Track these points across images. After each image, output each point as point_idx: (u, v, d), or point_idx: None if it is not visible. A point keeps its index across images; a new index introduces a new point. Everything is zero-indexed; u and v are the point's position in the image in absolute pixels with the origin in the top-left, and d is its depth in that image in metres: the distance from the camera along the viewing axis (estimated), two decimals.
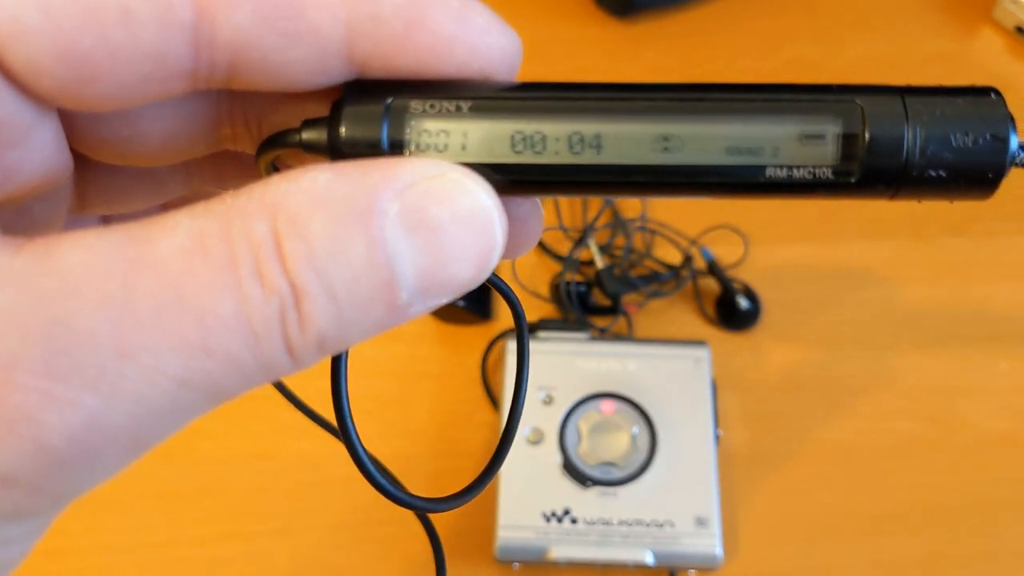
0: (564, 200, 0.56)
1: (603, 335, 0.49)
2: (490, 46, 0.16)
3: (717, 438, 0.45)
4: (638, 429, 0.44)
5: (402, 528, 0.44)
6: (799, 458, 0.48)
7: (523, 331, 0.20)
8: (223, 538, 0.45)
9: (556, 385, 0.45)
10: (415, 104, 0.15)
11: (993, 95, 0.15)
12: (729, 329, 0.51)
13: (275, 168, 0.18)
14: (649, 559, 0.42)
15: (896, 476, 0.47)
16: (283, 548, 0.45)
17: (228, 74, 0.15)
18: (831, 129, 0.15)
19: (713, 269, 0.52)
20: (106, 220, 0.21)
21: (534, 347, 0.46)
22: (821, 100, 0.15)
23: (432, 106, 0.15)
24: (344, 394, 0.17)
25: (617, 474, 0.43)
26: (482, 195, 0.15)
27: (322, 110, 0.16)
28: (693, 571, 0.43)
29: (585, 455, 0.44)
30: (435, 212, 0.14)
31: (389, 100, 0.15)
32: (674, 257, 0.53)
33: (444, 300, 0.15)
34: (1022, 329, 0.51)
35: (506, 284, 0.19)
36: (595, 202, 0.56)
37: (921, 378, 0.50)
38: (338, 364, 0.17)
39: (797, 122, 0.15)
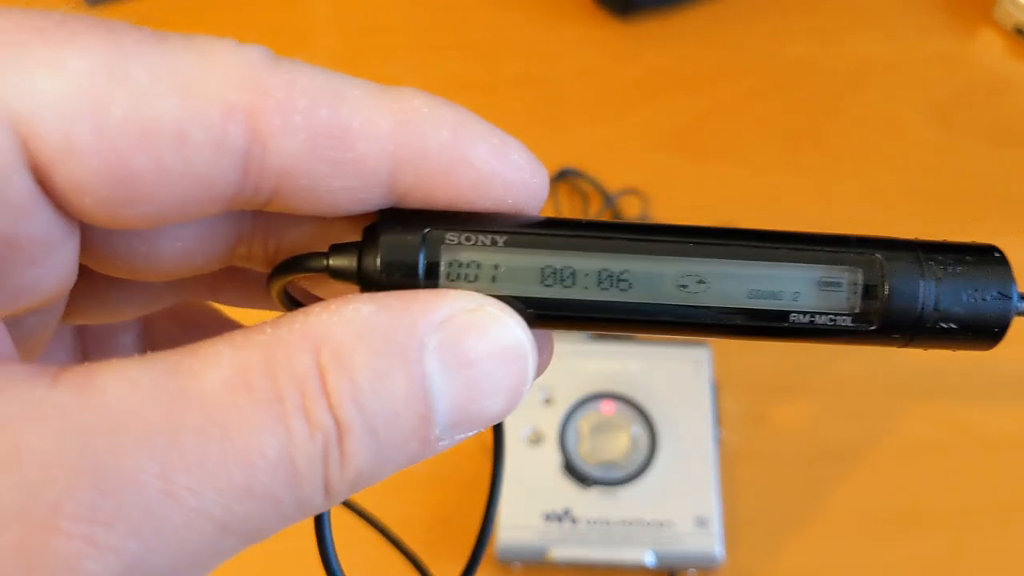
0: (564, 199, 0.56)
1: (603, 335, 0.49)
2: (524, 183, 0.16)
3: (717, 438, 0.45)
4: (638, 429, 0.44)
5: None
6: (799, 458, 0.48)
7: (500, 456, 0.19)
8: None
9: (556, 385, 0.45)
10: (450, 235, 0.15)
11: (996, 254, 0.16)
12: None
13: (286, 293, 0.17)
14: (649, 559, 0.42)
15: (897, 476, 0.47)
16: (285, 547, 0.45)
17: (269, 198, 0.15)
18: (853, 279, 0.16)
19: None
20: (80, 329, 0.21)
21: None
22: (843, 251, 0.16)
23: (468, 239, 0.16)
24: (330, 546, 0.17)
25: (617, 474, 0.43)
26: (517, 329, 0.15)
27: (347, 235, 0.16)
28: (693, 571, 0.43)
29: (585, 455, 0.44)
30: (473, 346, 0.14)
31: (427, 230, 0.15)
32: None
33: (471, 434, 0.15)
34: None
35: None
36: (595, 201, 0.56)
37: (923, 378, 0.50)
38: (321, 521, 0.17)
39: (820, 271, 0.16)
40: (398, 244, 0.15)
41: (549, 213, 0.56)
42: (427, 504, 0.46)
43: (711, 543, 0.42)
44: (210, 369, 0.13)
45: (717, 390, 0.47)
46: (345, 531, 0.39)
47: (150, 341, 0.22)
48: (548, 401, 0.45)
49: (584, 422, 0.44)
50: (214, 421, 0.12)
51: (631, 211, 0.55)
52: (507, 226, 0.16)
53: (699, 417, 0.45)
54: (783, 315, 0.16)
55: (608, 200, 0.55)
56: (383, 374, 0.13)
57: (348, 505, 0.30)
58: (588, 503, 0.43)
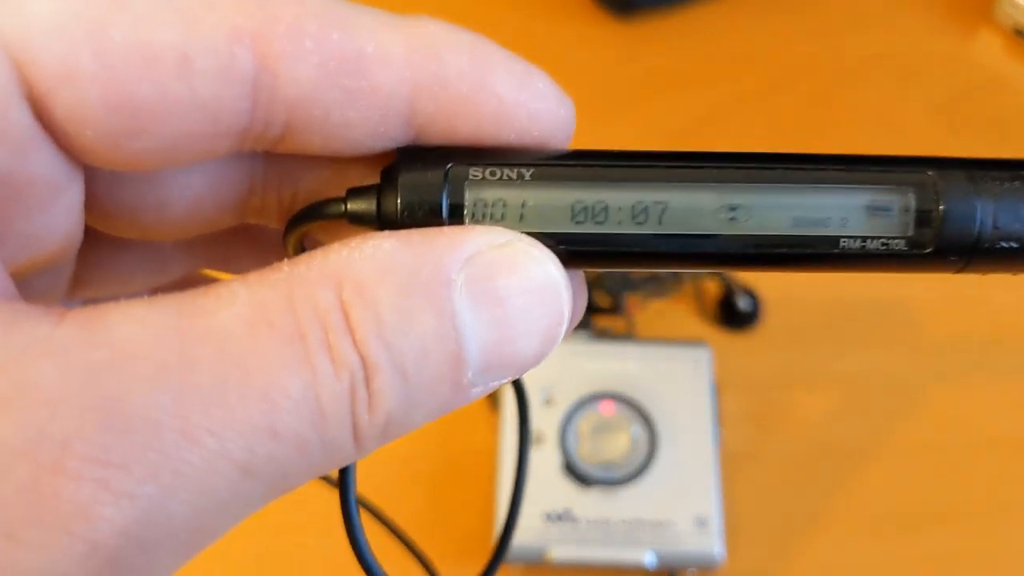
0: None
1: (603, 335, 0.49)
2: (550, 112, 0.15)
3: (717, 438, 0.45)
4: (638, 429, 0.44)
5: None
6: (799, 458, 0.48)
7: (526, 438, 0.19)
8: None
9: (556, 385, 0.45)
10: (474, 171, 0.15)
11: None
12: (729, 329, 0.51)
13: (302, 247, 0.17)
14: (649, 559, 0.42)
15: (898, 476, 0.47)
16: (285, 548, 0.45)
17: (281, 133, 0.14)
18: (904, 201, 0.15)
19: None
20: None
21: None
22: (892, 172, 0.15)
23: (492, 173, 0.14)
24: (353, 505, 0.16)
25: (617, 474, 0.43)
26: (551, 266, 0.14)
27: (365, 179, 0.15)
28: (693, 571, 0.43)
29: (585, 455, 0.44)
30: (503, 283, 0.13)
31: (448, 166, 0.15)
32: None
33: (505, 380, 0.14)
34: None
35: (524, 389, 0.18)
36: None
37: (922, 378, 0.50)
38: (347, 475, 0.16)
39: (869, 194, 0.15)
40: (419, 183, 0.14)
41: None
42: (431, 499, 0.46)
43: (711, 543, 0.42)
44: (225, 308, 0.12)
45: (717, 390, 0.47)
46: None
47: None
48: (548, 401, 0.45)
49: (584, 422, 0.44)
50: (232, 359, 0.12)
51: None
52: (533, 159, 0.15)
53: (699, 417, 0.45)
54: (832, 241, 0.15)
55: None
56: (410, 311, 0.13)
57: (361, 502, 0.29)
58: (588, 503, 0.43)
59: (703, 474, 0.43)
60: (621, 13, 0.64)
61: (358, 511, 0.16)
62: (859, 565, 0.45)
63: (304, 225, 0.16)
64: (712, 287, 0.52)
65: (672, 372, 0.46)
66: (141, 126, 0.13)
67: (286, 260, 0.13)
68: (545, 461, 0.44)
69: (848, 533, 0.46)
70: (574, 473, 0.43)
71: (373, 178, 0.15)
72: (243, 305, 0.12)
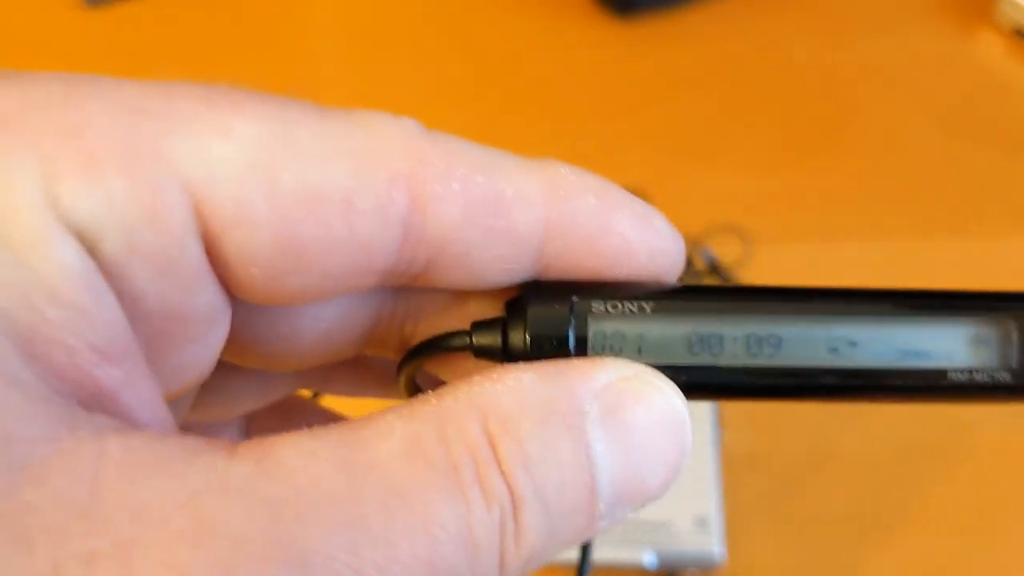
0: None
1: None
2: (667, 250, 0.16)
3: (717, 438, 0.45)
4: None
5: None
6: (799, 458, 0.48)
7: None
8: None
9: None
10: (596, 305, 0.15)
11: None
12: None
13: (416, 386, 0.17)
14: (649, 559, 0.42)
15: (897, 477, 0.47)
16: None
17: (423, 270, 0.15)
18: (1008, 334, 0.15)
19: (714, 269, 0.52)
20: (184, 427, 0.20)
21: None
22: (997, 305, 0.16)
23: (614, 307, 0.15)
24: None
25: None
26: (676, 398, 0.14)
27: (482, 311, 0.16)
28: (693, 571, 0.43)
29: None
30: (632, 414, 0.14)
31: (573, 301, 0.15)
32: None
33: (629, 511, 0.14)
34: None
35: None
36: None
37: None
38: None
39: (973, 327, 0.15)
40: (546, 316, 0.15)
41: None
42: None
43: (711, 543, 0.42)
44: (384, 440, 0.12)
45: None
46: None
47: (248, 434, 0.21)
48: None
49: None
50: (395, 492, 0.12)
51: None
52: (652, 294, 0.15)
53: (699, 417, 0.45)
54: (940, 374, 0.15)
55: None
56: (550, 442, 0.13)
57: None
58: None
59: (703, 474, 0.43)
60: (621, 14, 0.64)
61: None
62: (859, 565, 0.45)
63: (424, 357, 0.16)
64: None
65: None
66: (304, 264, 0.13)
67: (432, 392, 0.14)
68: None
69: (848, 533, 0.46)
70: None
71: (491, 309, 0.16)
72: (399, 438, 0.13)
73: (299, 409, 0.22)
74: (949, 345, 0.15)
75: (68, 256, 0.12)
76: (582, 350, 0.15)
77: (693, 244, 0.53)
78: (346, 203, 0.13)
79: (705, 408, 0.45)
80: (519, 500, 0.13)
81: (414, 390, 0.18)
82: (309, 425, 0.21)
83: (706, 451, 0.44)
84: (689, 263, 0.52)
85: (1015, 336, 0.15)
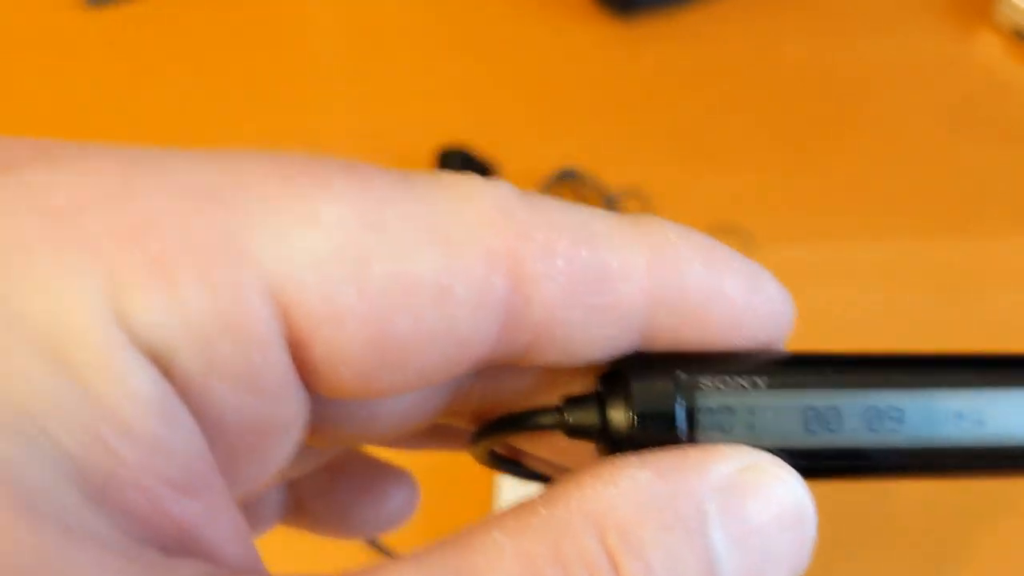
0: (565, 199, 0.56)
1: None
2: (778, 315, 0.14)
3: None
4: None
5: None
6: None
7: None
8: None
9: None
10: (704, 380, 0.13)
11: None
12: None
13: (496, 455, 0.16)
14: None
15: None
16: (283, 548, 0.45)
17: (524, 353, 0.13)
18: None
19: None
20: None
21: None
22: None
23: (724, 382, 0.13)
24: None
25: None
26: (798, 487, 0.13)
27: (571, 384, 0.15)
28: None
29: None
30: (754, 511, 0.12)
31: (681, 375, 0.13)
32: None
33: None
34: None
35: None
36: (595, 203, 0.56)
37: None
38: None
39: None
40: (651, 393, 0.13)
41: None
42: (431, 501, 0.46)
43: None
44: (495, 565, 0.11)
45: None
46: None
47: (294, 490, 0.20)
48: None
49: None
50: None
51: (631, 211, 0.55)
52: (763, 366, 0.14)
53: None
54: None
55: (608, 201, 0.55)
56: (673, 551, 0.12)
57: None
58: None
59: None
60: (622, 14, 0.64)
61: None
62: (859, 565, 0.45)
63: (507, 434, 0.15)
64: None
65: None
66: (397, 360, 0.12)
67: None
68: None
69: (848, 533, 0.46)
70: None
71: (582, 384, 0.14)
72: (511, 561, 0.11)
73: (344, 457, 0.20)
74: None
75: (141, 381, 0.10)
76: (692, 430, 0.13)
77: None
78: (442, 291, 0.12)
79: None
80: None
81: (500, 463, 0.16)
82: (353, 473, 0.18)
83: None
84: None
85: None
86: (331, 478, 0.20)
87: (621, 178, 0.57)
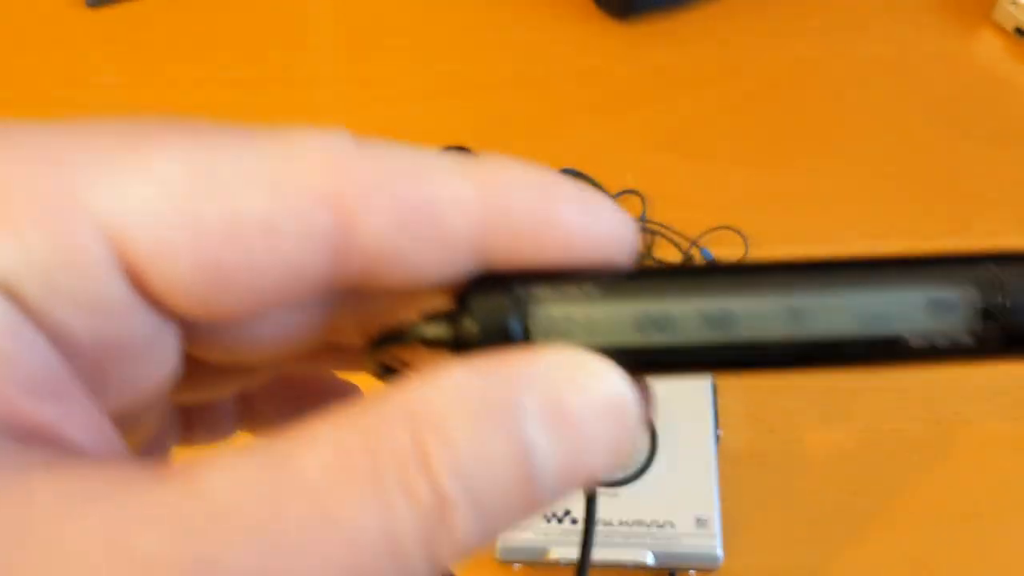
0: None
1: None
2: (615, 238, 0.16)
3: (717, 438, 0.45)
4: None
5: None
6: (799, 458, 0.48)
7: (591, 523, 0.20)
8: None
9: None
10: (540, 292, 0.15)
11: None
12: None
13: (385, 367, 0.17)
14: (649, 559, 0.42)
15: (897, 476, 0.47)
16: None
17: (360, 277, 0.15)
18: (969, 297, 0.15)
19: None
20: (184, 410, 0.21)
21: None
22: (955, 267, 0.15)
23: (560, 293, 0.15)
24: None
25: (617, 474, 0.43)
26: (618, 381, 0.14)
27: (438, 302, 0.16)
28: (693, 571, 0.43)
29: None
30: (571, 403, 0.14)
31: (515, 290, 0.15)
32: (674, 257, 0.53)
33: (576, 491, 0.14)
34: None
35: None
36: None
37: (922, 378, 0.50)
38: None
39: (932, 291, 0.15)
40: (490, 307, 0.15)
41: None
42: None
43: (711, 543, 0.42)
44: (311, 454, 0.13)
45: (717, 390, 0.47)
46: None
47: (248, 403, 0.22)
48: None
49: None
50: (315, 508, 0.12)
51: (631, 211, 0.55)
52: (598, 278, 0.15)
53: (699, 417, 0.45)
54: (899, 340, 0.15)
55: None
56: (483, 441, 0.13)
57: None
58: None
59: (703, 474, 0.43)
60: (621, 14, 0.64)
61: None
62: (859, 565, 0.45)
63: (382, 350, 0.17)
64: None
65: None
66: (229, 289, 0.14)
67: (369, 397, 0.14)
68: None
69: (848, 533, 0.46)
70: None
71: (448, 299, 0.16)
72: (326, 451, 0.13)
73: (313, 384, 0.22)
74: (909, 310, 0.15)
75: None
76: (529, 338, 0.15)
77: (692, 244, 0.53)
78: (268, 228, 0.13)
79: (705, 409, 0.45)
80: (448, 503, 0.13)
81: (389, 373, 0.18)
82: (309, 391, 0.21)
83: (706, 451, 0.44)
84: (690, 263, 0.52)
85: (974, 298, 0.15)
86: (281, 392, 0.22)
87: (621, 178, 0.57)
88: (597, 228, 0.15)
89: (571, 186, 0.15)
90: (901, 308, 0.15)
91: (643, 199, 0.56)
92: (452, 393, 0.13)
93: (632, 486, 0.43)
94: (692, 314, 0.15)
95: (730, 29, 0.64)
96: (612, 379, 0.14)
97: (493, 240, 0.15)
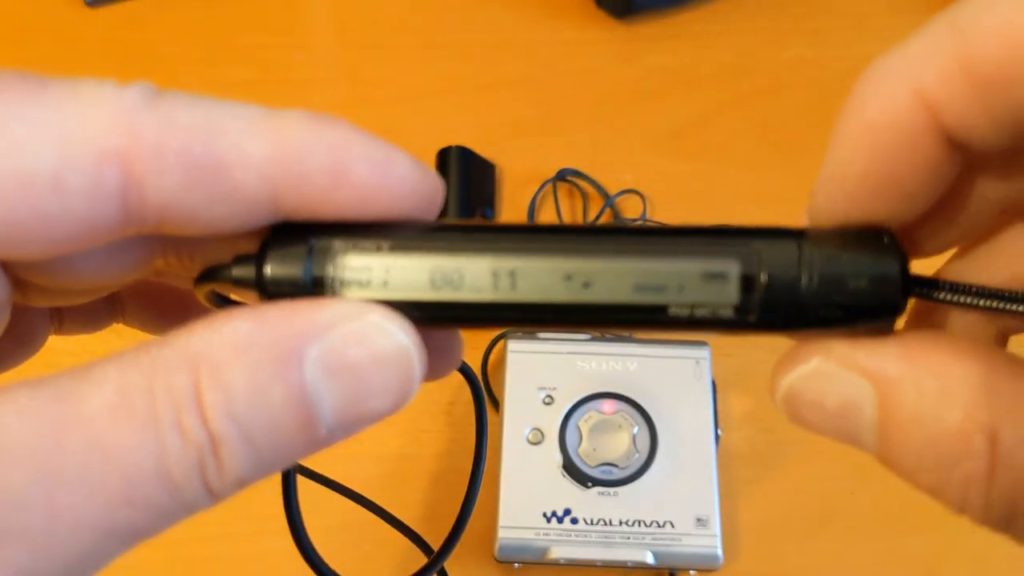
0: (564, 199, 0.56)
1: (604, 335, 0.49)
2: (412, 193, 0.16)
3: (717, 438, 0.45)
4: (638, 429, 0.44)
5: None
6: (799, 458, 0.48)
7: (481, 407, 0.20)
8: (225, 537, 0.45)
9: (557, 385, 0.45)
10: (338, 243, 0.16)
11: (886, 240, 0.16)
12: None
13: (216, 295, 0.18)
14: (649, 559, 0.42)
15: (897, 476, 0.47)
16: (283, 548, 0.45)
17: (157, 226, 0.15)
18: (732, 270, 0.16)
19: None
20: (56, 311, 0.22)
21: (535, 347, 0.46)
22: (722, 242, 0.16)
23: (354, 245, 0.16)
24: (295, 507, 0.18)
25: (617, 474, 0.43)
26: (400, 335, 0.15)
27: (255, 244, 0.17)
28: (693, 571, 0.43)
29: (585, 455, 0.44)
30: (354, 354, 0.15)
31: (312, 240, 0.16)
32: None
33: (364, 428, 0.16)
34: None
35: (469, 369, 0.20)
36: (595, 202, 0.56)
37: None
38: (288, 479, 0.18)
39: (700, 263, 0.16)
40: (285, 255, 0.16)
41: (550, 214, 0.56)
42: (431, 498, 0.46)
43: (711, 543, 0.42)
44: (95, 392, 0.14)
45: (717, 390, 0.47)
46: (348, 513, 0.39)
47: (119, 300, 0.23)
48: (548, 401, 0.45)
49: (584, 422, 0.44)
50: (95, 444, 0.14)
51: (631, 211, 0.55)
52: (394, 231, 0.16)
53: (699, 417, 0.45)
54: (663, 308, 0.16)
55: (608, 200, 0.55)
56: (260, 388, 0.14)
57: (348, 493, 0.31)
58: (588, 503, 0.43)
59: (703, 474, 0.43)
60: (621, 14, 0.64)
61: (299, 513, 0.18)
62: (859, 565, 0.45)
63: (205, 286, 0.17)
64: None
65: (672, 372, 0.46)
66: (23, 238, 0.15)
67: (155, 340, 0.15)
68: (545, 461, 0.44)
69: (848, 533, 0.46)
70: (574, 473, 0.43)
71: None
72: (110, 391, 0.14)
73: (173, 289, 0.23)
74: (679, 280, 0.16)
75: None
76: (322, 287, 0.16)
77: None
78: (55, 183, 0.14)
79: (705, 409, 0.45)
80: (220, 441, 0.14)
81: (221, 303, 0.18)
82: (183, 302, 0.22)
83: (706, 451, 0.44)
84: None
85: (737, 272, 0.16)
86: (146, 292, 0.23)
87: (621, 178, 0.57)
88: (391, 183, 0.16)
89: (366, 141, 0.16)
90: (674, 278, 0.16)
91: (643, 199, 0.56)
92: (235, 342, 0.14)
93: (632, 486, 0.43)
94: (481, 272, 0.16)
95: (730, 29, 0.64)
96: (393, 333, 0.15)
97: (288, 194, 0.15)
